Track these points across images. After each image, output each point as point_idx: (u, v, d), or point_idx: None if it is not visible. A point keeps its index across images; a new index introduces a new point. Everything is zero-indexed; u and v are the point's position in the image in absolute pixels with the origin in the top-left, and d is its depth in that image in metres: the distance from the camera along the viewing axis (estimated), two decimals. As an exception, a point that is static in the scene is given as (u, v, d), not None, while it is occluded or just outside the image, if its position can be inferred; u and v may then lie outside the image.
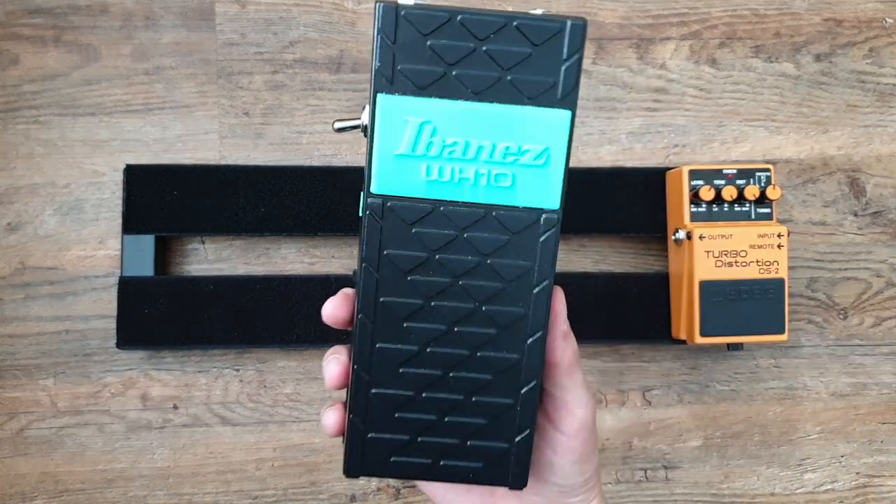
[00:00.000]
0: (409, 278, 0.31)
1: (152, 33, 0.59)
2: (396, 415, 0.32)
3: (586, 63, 0.60)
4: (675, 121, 0.60)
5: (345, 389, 0.34)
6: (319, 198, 0.56)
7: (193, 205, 0.56)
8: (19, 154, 0.58)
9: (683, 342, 0.55)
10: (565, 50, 0.29)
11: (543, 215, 0.31)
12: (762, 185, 0.54)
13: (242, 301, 0.56)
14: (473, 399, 0.33)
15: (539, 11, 0.30)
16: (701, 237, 0.53)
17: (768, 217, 0.55)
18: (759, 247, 0.53)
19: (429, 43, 0.29)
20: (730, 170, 0.54)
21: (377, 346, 0.32)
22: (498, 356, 0.32)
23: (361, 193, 0.31)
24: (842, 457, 0.60)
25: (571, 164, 0.60)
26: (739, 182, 0.54)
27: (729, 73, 0.61)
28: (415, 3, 0.29)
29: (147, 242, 0.56)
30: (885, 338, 0.60)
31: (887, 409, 0.60)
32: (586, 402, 0.35)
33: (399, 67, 0.29)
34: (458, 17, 0.29)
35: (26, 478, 0.56)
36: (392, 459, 0.33)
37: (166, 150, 0.58)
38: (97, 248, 0.57)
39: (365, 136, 0.31)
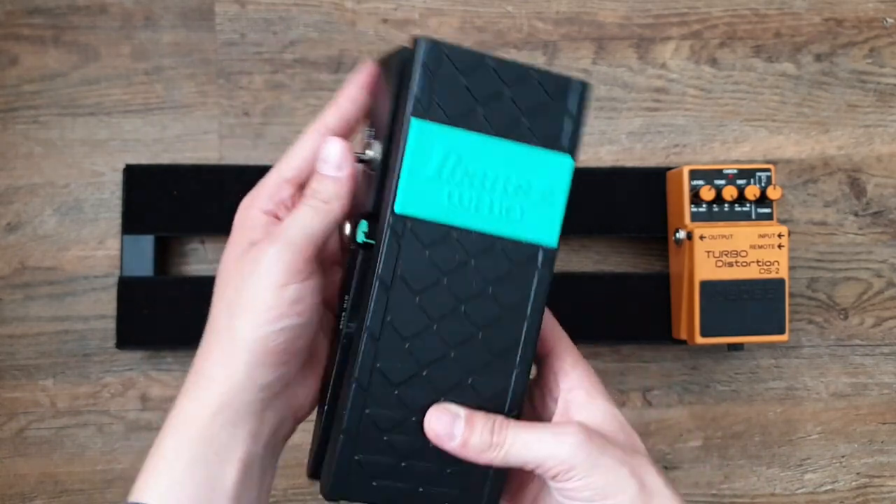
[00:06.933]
0: (417, 298, 0.32)
1: (152, 33, 0.59)
2: (386, 437, 0.33)
3: (587, 63, 0.60)
4: (676, 121, 0.60)
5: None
6: (319, 198, 0.56)
7: (193, 205, 0.56)
8: (19, 154, 0.58)
9: (684, 342, 0.55)
10: (572, 105, 0.33)
11: (541, 251, 0.33)
12: (763, 185, 0.54)
13: (242, 301, 0.56)
14: None
15: (548, 68, 0.33)
16: (701, 237, 0.53)
17: (769, 217, 0.54)
18: (760, 247, 0.53)
19: (463, 81, 0.32)
20: (730, 170, 0.54)
21: (378, 364, 0.32)
22: (489, 382, 0.33)
23: (361, 221, 0.33)
24: (842, 457, 0.60)
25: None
26: (740, 182, 0.54)
27: (729, 73, 0.61)
28: (454, 43, 0.32)
29: (147, 242, 0.56)
30: (886, 338, 0.60)
31: (888, 409, 0.60)
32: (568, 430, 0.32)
33: (435, 98, 0.32)
34: (491, 63, 0.32)
35: (26, 478, 0.56)
36: (375, 483, 0.33)
37: (166, 150, 0.58)
38: (96, 248, 0.57)
39: (370, 168, 0.33)
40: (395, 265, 0.32)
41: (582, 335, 0.41)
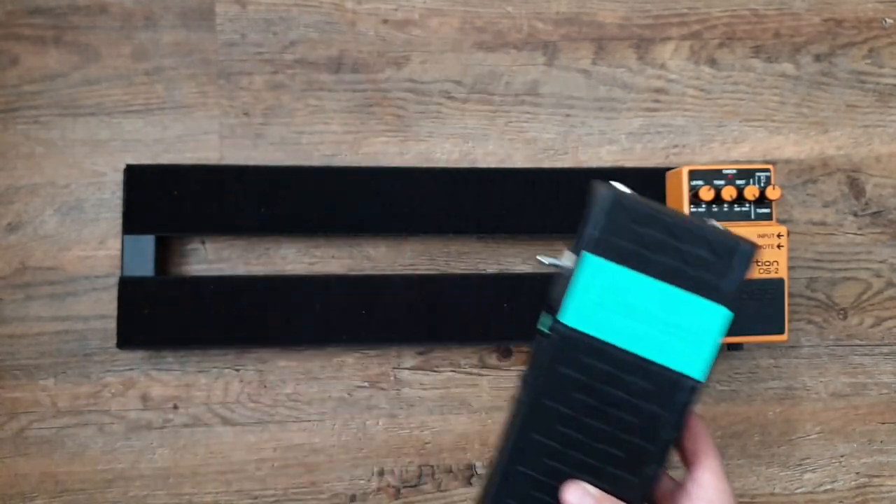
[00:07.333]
0: (568, 392, 0.37)
1: (152, 33, 0.59)
2: (531, 492, 0.38)
3: (586, 63, 0.60)
4: (675, 121, 0.60)
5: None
6: (319, 198, 0.56)
7: (193, 205, 0.56)
8: (19, 154, 0.58)
9: (683, 342, 0.55)
10: (735, 264, 0.36)
11: (688, 381, 0.36)
12: (762, 185, 0.54)
13: (242, 301, 0.56)
14: None
15: (721, 226, 0.36)
16: (701, 237, 0.53)
17: (768, 217, 0.55)
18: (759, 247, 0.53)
19: (636, 228, 0.36)
20: (729, 170, 0.54)
21: (532, 435, 0.38)
22: (621, 475, 0.38)
23: (544, 312, 0.38)
24: (841, 457, 0.60)
25: (571, 164, 0.60)
26: (739, 182, 0.54)
27: (729, 74, 0.61)
28: (630, 192, 0.36)
29: (147, 242, 0.56)
30: (885, 338, 0.60)
31: (887, 409, 0.60)
32: None
33: (608, 239, 0.36)
34: (666, 218, 0.36)
35: (27, 478, 0.56)
36: None
37: (166, 151, 0.58)
38: (97, 248, 0.58)
39: (560, 271, 0.38)
40: (554, 360, 0.37)
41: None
